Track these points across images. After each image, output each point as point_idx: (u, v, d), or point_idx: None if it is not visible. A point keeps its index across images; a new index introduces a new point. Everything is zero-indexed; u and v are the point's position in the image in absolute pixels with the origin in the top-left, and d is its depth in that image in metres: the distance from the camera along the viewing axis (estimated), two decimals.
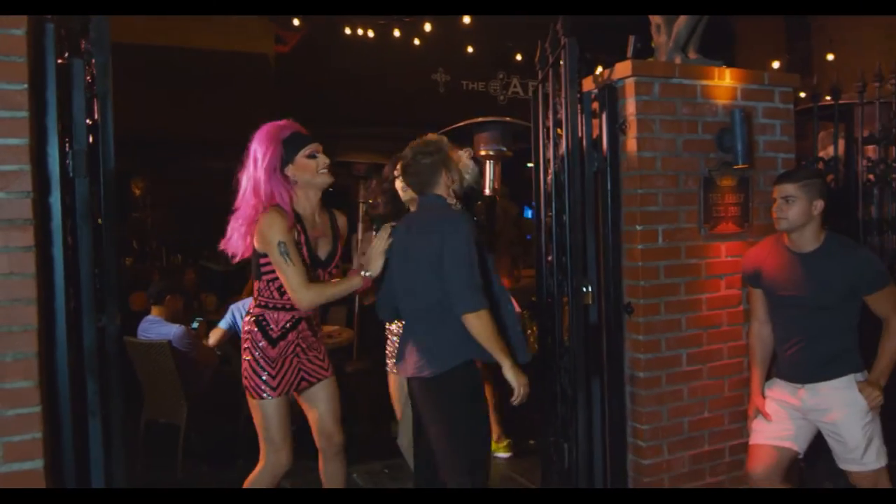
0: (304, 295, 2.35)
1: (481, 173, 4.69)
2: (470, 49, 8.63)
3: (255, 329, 2.48)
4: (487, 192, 4.76)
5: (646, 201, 2.59)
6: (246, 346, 2.51)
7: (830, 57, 7.04)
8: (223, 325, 4.18)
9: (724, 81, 2.68)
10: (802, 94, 3.74)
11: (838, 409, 2.44)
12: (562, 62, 2.58)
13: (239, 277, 7.93)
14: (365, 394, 5.23)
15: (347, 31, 8.51)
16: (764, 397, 2.59)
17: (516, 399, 2.33)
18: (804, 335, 2.49)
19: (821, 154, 3.46)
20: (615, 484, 2.73)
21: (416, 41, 8.31)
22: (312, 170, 2.49)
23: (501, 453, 4.11)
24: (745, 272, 2.67)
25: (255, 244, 2.42)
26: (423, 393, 2.39)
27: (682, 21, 2.70)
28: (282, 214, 2.39)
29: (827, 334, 2.47)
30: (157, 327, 3.95)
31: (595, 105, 2.64)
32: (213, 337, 4.17)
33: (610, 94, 2.58)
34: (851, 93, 3.41)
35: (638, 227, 2.59)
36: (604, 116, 2.58)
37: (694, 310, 2.68)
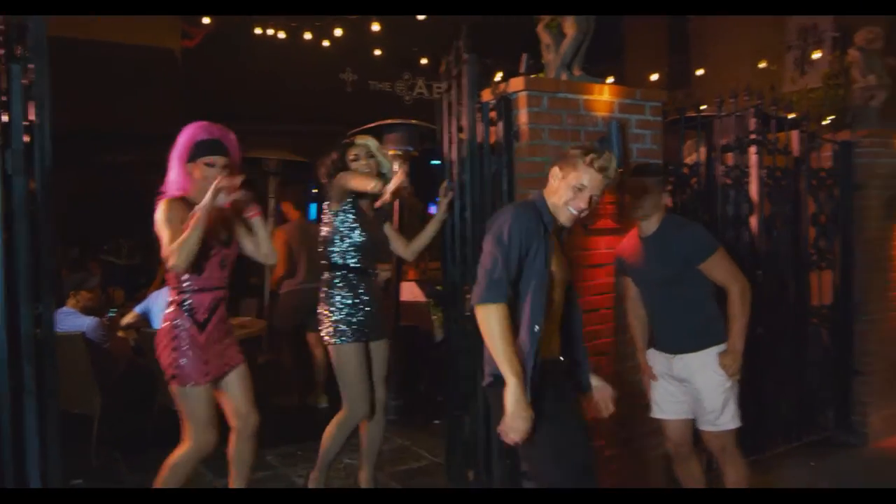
0: (172, 253, 2.45)
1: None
2: (377, 52, 8.85)
3: (184, 315, 2.59)
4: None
5: None
6: (173, 335, 2.59)
7: (701, 71, 7.77)
8: (138, 309, 4.28)
9: (603, 96, 3.08)
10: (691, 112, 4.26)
11: (702, 378, 2.80)
12: (463, 77, 2.90)
13: (143, 271, 7.85)
14: (276, 383, 5.43)
15: (258, 30, 8.53)
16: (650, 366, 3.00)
17: (506, 432, 2.07)
18: (663, 310, 2.86)
19: (686, 160, 3.97)
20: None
21: (326, 42, 8.45)
22: (202, 178, 2.61)
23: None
24: (615, 263, 3.10)
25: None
26: None
27: (567, 42, 3.08)
28: (170, 205, 2.58)
29: (683, 307, 2.82)
30: (71, 319, 3.99)
31: (493, 114, 2.97)
32: (126, 318, 4.28)
33: (506, 105, 2.92)
34: (713, 107, 3.94)
35: None
36: (500, 125, 2.92)
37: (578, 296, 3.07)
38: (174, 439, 2.73)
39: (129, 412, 4.41)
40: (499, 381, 2.08)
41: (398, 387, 4.91)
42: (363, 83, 10.29)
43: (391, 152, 4.91)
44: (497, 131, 2.95)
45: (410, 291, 5.25)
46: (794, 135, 4.18)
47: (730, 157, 4.01)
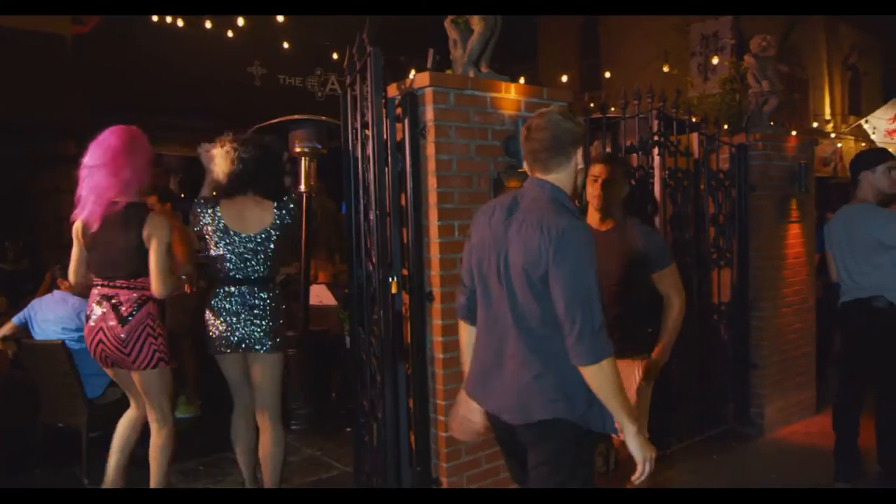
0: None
1: (296, 170, 4.80)
2: (286, 45, 8.58)
3: (154, 307, 3.02)
4: (303, 188, 4.87)
5: (443, 199, 2.86)
6: (155, 322, 3.00)
7: (608, 74, 7.98)
8: (16, 320, 3.94)
9: (510, 95, 3.04)
10: (592, 105, 4.31)
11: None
12: (368, 70, 2.80)
13: (30, 277, 7.28)
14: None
15: (154, 17, 8.09)
16: None
17: (639, 477, 1.90)
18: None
19: None
20: (421, 458, 2.98)
21: (230, 33, 8.11)
22: None
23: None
24: None
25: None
26: None
27: (475, 38, 3.02)
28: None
29: (626, 310, 2.74)
30: None
31: (399, 110, 2.88)
32: (2, 330, 3.93)
33: (412, 101, 2.83)
34: (618, 109, 4.00)
35: (437, 223, 2.86)
36: (406, 121, 2.83)
37: None
38: (62, 458, 2.53)
39: (9, 429, 4.05)
40: (562, 423, 1.91)
41: (308, 394, 4.76)
42: (272, 77, 9.95)
43: (297, 150, 4.76)
44: (403, 128, 2.85)
45: (318, 295, 5.09)
46: (694, 137, 4.31)
47: (634, 159, 4.09)
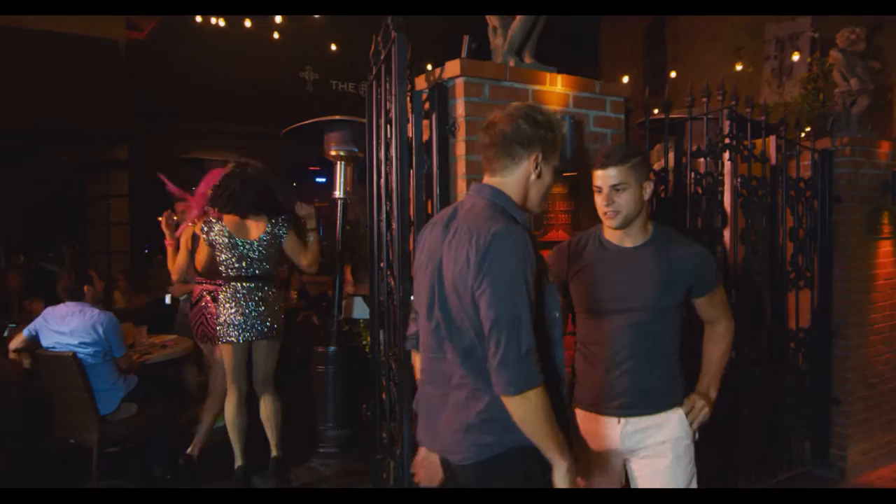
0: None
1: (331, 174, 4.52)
2: (334, 47, 8.37)
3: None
4: (338, 194, 4.59)
5: None
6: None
7: (673, 74, 7.44)
8: (26, 332, 3.75)
9: (556, 87, 2.65)
10: (656, 111, 3.87)
11: (666, 446, 2.14)
12: (393, 60, 2.45)
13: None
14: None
15: (213, 21, 8.00)
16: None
17: None
18: (626, 355, 2.11)
19: (654, 167, 3.56)
20: None
21: (276, 34, 7.96)
22: None
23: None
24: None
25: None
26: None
27: (516, 23, 2.66)
28: None
29: (653, 352, 2.12)
30: None
31: (427, 105, 2.53)
32: (14, 343, 3.75)
33: (440, 94, 2.48)
34: (684, 108, 3.54)
35: None
36: (434, 117, 2.48)
37: None
38: (75, 474, 2.34)
39: (23, 444, 3.87)
40: (507, 457, 1.65)
41: (340, 415, 4.42)
42: (324, 83, 9.79)
43: (332, 153, 4.47)
44: (430, 125, 2.50)
45: (352, 308, 4.77)
46: (771, 141, 3.81)
47: (701, 165, 3.62)
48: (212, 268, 3.91)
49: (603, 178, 2.08)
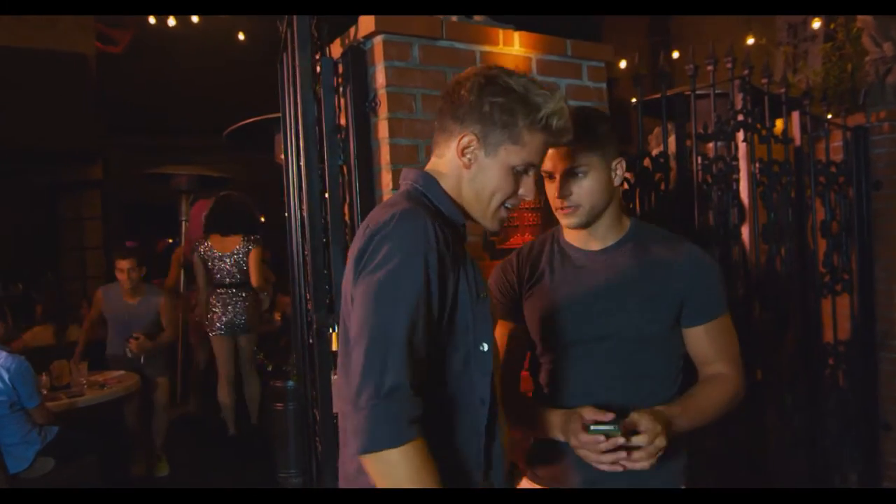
0: None
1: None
2: None
3: None
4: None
5: None
6: None
7: (676, 55, 6.80)
8: None
9: (513, 48, 2.05)
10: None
11: None
12: (295, 25, 1.86)
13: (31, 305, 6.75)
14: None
15: (172, 23, 7.51)
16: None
17: None
18: (608, 405, 1.41)
19: (654, 153, 2.94)
20: None
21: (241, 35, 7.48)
22: None
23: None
24: (496, 299, 1.63)
25: None
26: None
27: None
28: None
29: (645, 402, 1.43)
30: None
31: (342, 78, 1.93)
32: None
33: (356, 60, 1.88)
34: (686, 83, 2.92)
35: None
36: (348, 91, 1.88)
37: None
38: None
39: None
40: None
41: (301, 458, 3.84)
42: None
43: (282, 157, 3.90)
44: (346, 102, 1.90)
45: None
46: (795, 118, 3.17)
47: (710, 151, 2.99)
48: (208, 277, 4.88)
49: (553, 158, 1.46)
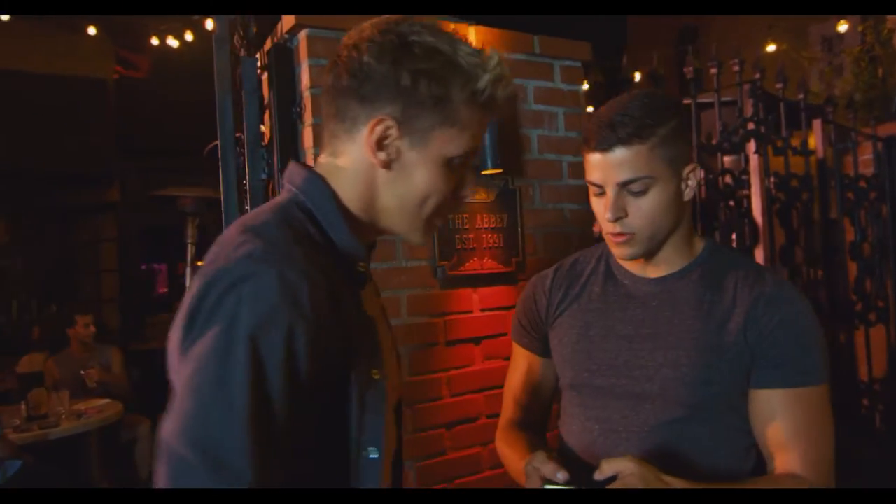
0: None
1: None
2: None
3: None
4: None
5: None
6: None
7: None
8: None
9: None
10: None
11: None
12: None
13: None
14: None
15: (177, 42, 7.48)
16: None
17: None
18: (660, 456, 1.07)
19: None
20: None
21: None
22: None
23: None
24: (519, 322, 1.32)
25: None
26: None
27: None
28: None
29: (698, 475, 1.04)
30: None
31: (265, 79, 1.70)
32: None
33: (280, 59, 1.63)
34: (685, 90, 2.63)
35: None
36: (272, 96, 1.63)
37: (431, 397, 1.73)
38: None
39: None
40: None
41: None
42: None
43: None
44: (270, 109, 1.66)
45: None
46: (817, 127, 2.84)
47: (722, 162, 2.67)
48: None
49: (603, 167, 1.08)
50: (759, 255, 2.56)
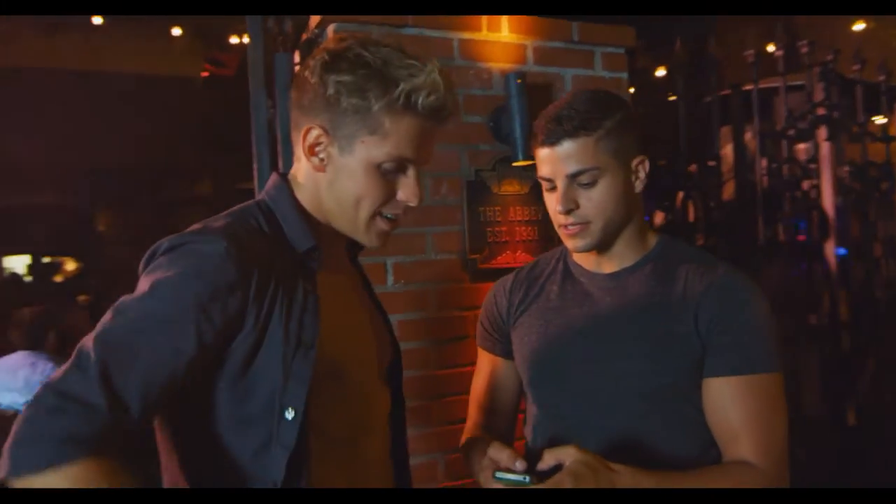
0: None
1: None
2: None
3: None
4: None
5: None
6: None
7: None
8: None
9: (501, 35, 1.75)
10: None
11: None
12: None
13: None
14: None
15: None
16: None
17: None
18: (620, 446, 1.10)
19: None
20: None
21: None
22: None
23: None
24: (482, 325, 1.33)
25: None
26: None
27: None
28: None
29: (656, 466, 1.04)
30: None
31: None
32: None
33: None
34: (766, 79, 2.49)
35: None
36: None
37: (459, 390, 1.71)
38: None
39: None
40: None
41: None
42: None
43: None
44: None
45: None
46: None
47: (794, 150, 2.52)
48: None
49: (552, 160, 1.11)
50: (830, 253, 2.40)
